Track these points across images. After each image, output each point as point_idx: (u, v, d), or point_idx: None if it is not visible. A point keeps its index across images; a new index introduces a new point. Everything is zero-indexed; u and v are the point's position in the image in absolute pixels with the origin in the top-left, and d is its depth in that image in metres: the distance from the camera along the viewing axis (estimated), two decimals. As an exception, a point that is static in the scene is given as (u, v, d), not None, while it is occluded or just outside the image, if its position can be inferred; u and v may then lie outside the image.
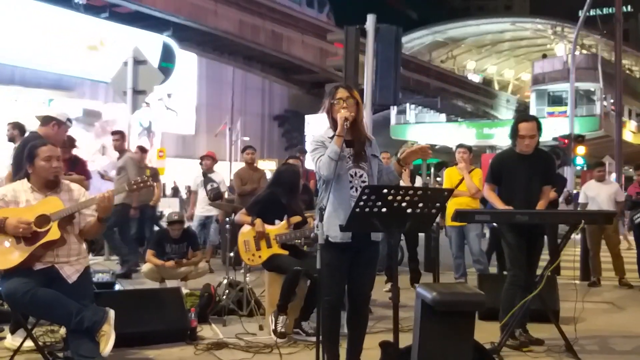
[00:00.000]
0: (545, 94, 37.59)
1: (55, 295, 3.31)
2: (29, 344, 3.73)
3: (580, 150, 17.13)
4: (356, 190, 3.31)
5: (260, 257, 4.84)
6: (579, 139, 17.29)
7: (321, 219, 3.20)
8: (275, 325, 4.48)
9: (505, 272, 4.72)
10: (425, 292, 2.55)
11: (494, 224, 6.48)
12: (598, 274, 7.52)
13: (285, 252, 4.80)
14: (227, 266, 5.53)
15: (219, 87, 34.91)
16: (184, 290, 5.18)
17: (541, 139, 4.53)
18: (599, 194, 7.58)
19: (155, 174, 8.24)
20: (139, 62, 8.51)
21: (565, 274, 7.05)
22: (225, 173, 13.20)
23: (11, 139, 6.77)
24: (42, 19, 21.02)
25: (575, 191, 14.56)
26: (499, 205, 4.39)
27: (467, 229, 6.60)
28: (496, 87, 49.25)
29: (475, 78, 47.22)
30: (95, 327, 3.28)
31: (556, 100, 36.50)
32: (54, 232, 3.40)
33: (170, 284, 5.97)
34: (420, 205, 2.99)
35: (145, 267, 6.14)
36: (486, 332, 4.12)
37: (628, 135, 35.47)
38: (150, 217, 8.40)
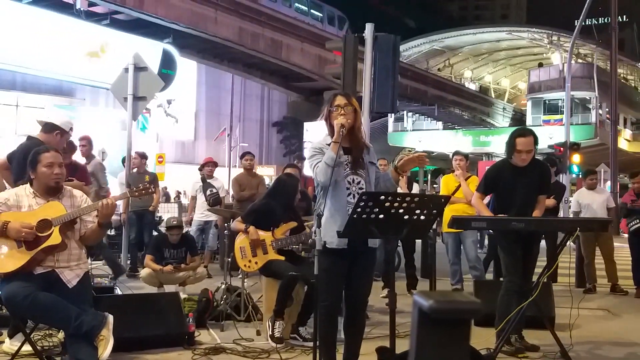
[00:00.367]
0: (541, 102, 37.75)
1: (55, 300, 3.32)
2: (27, 348, 3.75)
3: (576, 158, 17.21)
4: (353, 196, 3.35)
5: (256, 263, 4.88)
6: (575, 147, 17.36)
7: (319, 225, 3.23)
8: (272, 331, 4.51)
9: (501, 279, 4.76)
10: (422, 299, 2.59)
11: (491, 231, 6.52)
12: (593, 280, 7.56)
13: (282, 258, 4.83)
14: (225, 271, 5.56)
15: (218, 93, 35.02)
16: (182, 295, 5.20)
17: (537, 147, 4.57)
18: (592, 202, 7.64)
19: (154, 179, 8.26)
20: (139, 68, 8.54)
21: (561, 280, 7.09)
22: (224, 179, 13.25)
23: (86, 155, 6.85)
24: (44, 25, 21.06)
25: (571, 199, 14.60)
26: (485, 213, 4.45)
27: (463, 236, 6.64)
28: (493, 95, 49.42)
29: (472, 86, 47.39)
30: (94, 331, 3.29)
31: (552, 108, 36.66)
32: (55, 237, 3.43)
33: (168, 288, 5.99)
34: (417, 212, 3.03)
35: (143, 272, 6.16)
36: (482, 338, 4.16)
37: (623, 143, 35.60)
38: (149, 222, 8.42)
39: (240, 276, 5.42)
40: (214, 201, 7.69)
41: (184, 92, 30.23)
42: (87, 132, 8.48)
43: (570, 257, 6.58)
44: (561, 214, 11.95)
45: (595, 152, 30.28)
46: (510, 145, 4.42)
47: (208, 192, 7.85)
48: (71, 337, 3.34)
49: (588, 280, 7.59)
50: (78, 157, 6.34)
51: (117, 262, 7.14)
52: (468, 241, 6.64)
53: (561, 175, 15.40)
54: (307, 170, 8.05)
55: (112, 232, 9.53)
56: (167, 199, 23.56)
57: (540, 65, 41.89)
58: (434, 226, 4.81)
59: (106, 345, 3.28)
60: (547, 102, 37.41)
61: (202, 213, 8.21)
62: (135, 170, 8.44)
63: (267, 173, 29.22)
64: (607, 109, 32.86)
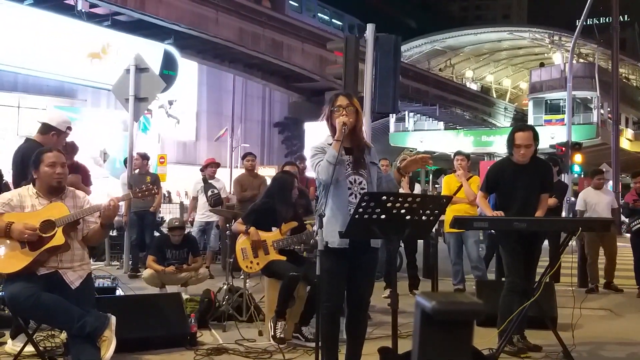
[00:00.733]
0: (542, 102, 37.68)
1: (58, 301, 3.33)
2: (29, 348, 3.76)
3: (578, 158, 17.20)
4: (355, 196, 3.35)
5: (258, 264, 4.88)
6: (576, 147, 17.37)
7: (320, 226, 3.24)
8: (275, 331, 4.51)
9: (503, 279, 4.76)
10: (425, 301, 2.59)
11: (492, 231, 6.52)
12: (596, 280, 7.56)
13: (283, 258, 4.83)
14: (227, 272, 5.56)
15: (219, 94, 35.01)
16: (184, 296, 5.21)
17: (539, 147, 4.57)
18: (599, 202, 7.63)
19: (156, 180, 8.28)
20: (140, 69, 8.56)
21: (563, 280, 7.09)
22: (226, 179, 13.24)
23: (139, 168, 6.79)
24: (45, 27, 21.07)
25: (572, 198, 14.60)
26: (489, 213, 4.44)
27: (465, 236, 6.64)
28: (494, 95, 49.37)
29: (474, 86, 47.35)
30: (96, 332, 3.30)
31: (553, 108, 36.59)
32: (58, 238, 3.43)
33: (170, 289, 6.00)
34: (419, 212, 3.03)
35: (145, 273, 6.17)
36: (484, 339, 4.15)
37: (625, 143, 35.52)
38: (150, 223, 8.43)
39: (242, 276, 5.42)
40: (215, 202, 7.71)
41: (186, 93, 30.22)
42: (89, 133, 8.51)
43: (573, 257, 6.57)
44: (563, 214, 11.95)
45: (597, 152, 30.23)
46: (510, 141, 4.43)
47: (209, 193, 7.87)
48: (74, 338, 3.35)
49: (591, 280, 7.59)
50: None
51: None
52: (470, 241, 6.64)
53: (563, 175, 15.40)
54: (308, 171, 8.06)
55: (113, 233, 9.55)
56: (170, 200, 23.61)
57: (542, 65, 41.83)
58: (436, 226, 4.81)
59: (109, 346, 3.29)
60: (548, 102, 37.35)
61: (203, 214, 8.23)
62: (137, 171, 8.45)
63: (269, 173, 29.13)
64: (608, 109, 32.77)
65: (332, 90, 7.29)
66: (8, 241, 3.42)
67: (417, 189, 7.66)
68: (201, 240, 8.19)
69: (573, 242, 4.70)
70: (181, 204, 14.68)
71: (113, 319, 3.40)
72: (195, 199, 8.51)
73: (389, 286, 6.31)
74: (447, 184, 6.97)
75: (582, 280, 7.79)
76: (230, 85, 33.41)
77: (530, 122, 35.96)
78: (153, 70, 9.35)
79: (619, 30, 20.31)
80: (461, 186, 6.57)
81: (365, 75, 6.67)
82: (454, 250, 6.78)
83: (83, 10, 22.01)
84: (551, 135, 26.96)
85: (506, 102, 49.13)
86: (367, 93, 6.66)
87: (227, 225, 5.82)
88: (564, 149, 16.98)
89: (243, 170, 8.71)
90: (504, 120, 46.28)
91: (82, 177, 5.77)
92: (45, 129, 4.53)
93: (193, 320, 4.52)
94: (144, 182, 6.79)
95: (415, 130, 41.58)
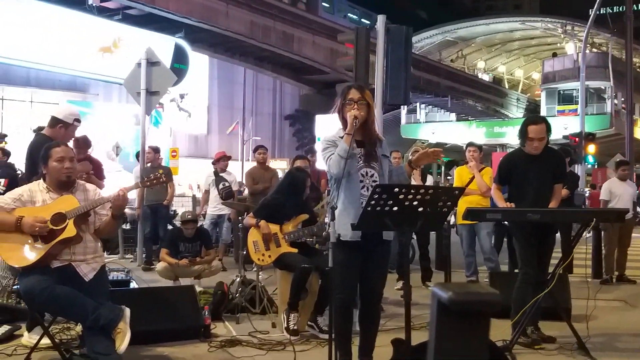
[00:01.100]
0: (555, 92, 37.35)
1: (72, 293, 3.35)
2: (45, 341, 3.79)
3: (591, 148, 17.03)
4: (367, 189, 3.34)
5: (270, 256, 4.89)
6: (590, 137, 17.21)
7: (332, 218, 3.23)
8: (288, 323, 4.53)
9: (516, 270, 4.73)
10: (441, 291, 2.58)
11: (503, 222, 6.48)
12: (611, 272, 7.50)
13: (295, 250, 4.84)
14: (239, 264, 5.58)
15: (230, 87, 35.06)
16: (198, 288, 5.23)
17: (552, 137, 4.53)
18: (624, 193, 7.60)
19: (168, 173, 8.32)
20: (152, 63, 8.58)
21: (577, 271, 7.04)
22: (237, 172, 13.28)
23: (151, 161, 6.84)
24: (56, 21, 21.23)
25: (586, 189, 14.48)
26: (502, 205, 4.42)
27: (478, 228, 6.61)
28: (506, 86, 48.97)
29: (485, 77, 47.00)
30: (111, 324, 3.32)
31: (567, 98, 36.26)
32: (70, 230, 3.45)
33: (184, 282, 6.04)
34: (432, 204, 3.02)
35: (159, 266, 6.21)
36: (498, 330, 4.13)
37: (639, 133, 35.13)
38: (164, 216, 8.48)
39: (254, 269, 5.44)
40: (227, 195, 7.74)
41: (197, 86, 30.29)
42: (101, 127, 8.56)
43: (587, 248, 6.52)
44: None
45: (610, 142, 29.94)
46: (523, 133, 4.40)
47: (221, 186, 7.90)
48: (89, 330, 3.36)
49: (606, 271, 7.54)
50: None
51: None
52: (482, 233, 6.61)
53: (576, 165, 15.27)
54: (319, 164, 8.05)
55: (127, 227, 9.62)
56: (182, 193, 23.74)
57: (555, 55, 41.42)
58: (449, 218, 4.78)
59: (123, 338, 3.30)
60: (561, 92, 37.01)
61: (215, 207, 8.26)
62: (149, 164, 8.49)
63: (280, 166, 29.23)
64: (622, 99, 32.41)
65: (343, 82, 7.26)
66: (20, 235, 3.44)
67: (430, 180, 7.61)
68: (213, 233, 8.23)
69: (587, 234, 4.66)
70: (193, 197, 14.75)
71: (127, 311, 3.42)
72: (207, 192, 8.54)
73: (402, 278, 6.32)
74: (459, 176, 6.94)
75: (596, 272, 7.73)
76: (241, 78, 33.46)
77: (543, 112, 35.70)
78: (164, 64, 9.38)
79: (632, 19, 19.96)
80: (473, 178, 6.53)
81: (377, 66, 6.64)
82: (467, 242, 6.76)
83: (94, 5, 22.14)
84: (564, 125, 26.73)
85: (518, 93, 48.72)
86: (379, 85, 6.62)
87: (239, 217, 5.83)
88: (577, 139, 16.83)
89: (254, 163, 8.73)
90: (516, 111, 45.92)
91: (95, 171, 5.81)
92: (53, 122, 4.56)
93: (206, 313, 4.54)
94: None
95: (427, 121, 41.37)
